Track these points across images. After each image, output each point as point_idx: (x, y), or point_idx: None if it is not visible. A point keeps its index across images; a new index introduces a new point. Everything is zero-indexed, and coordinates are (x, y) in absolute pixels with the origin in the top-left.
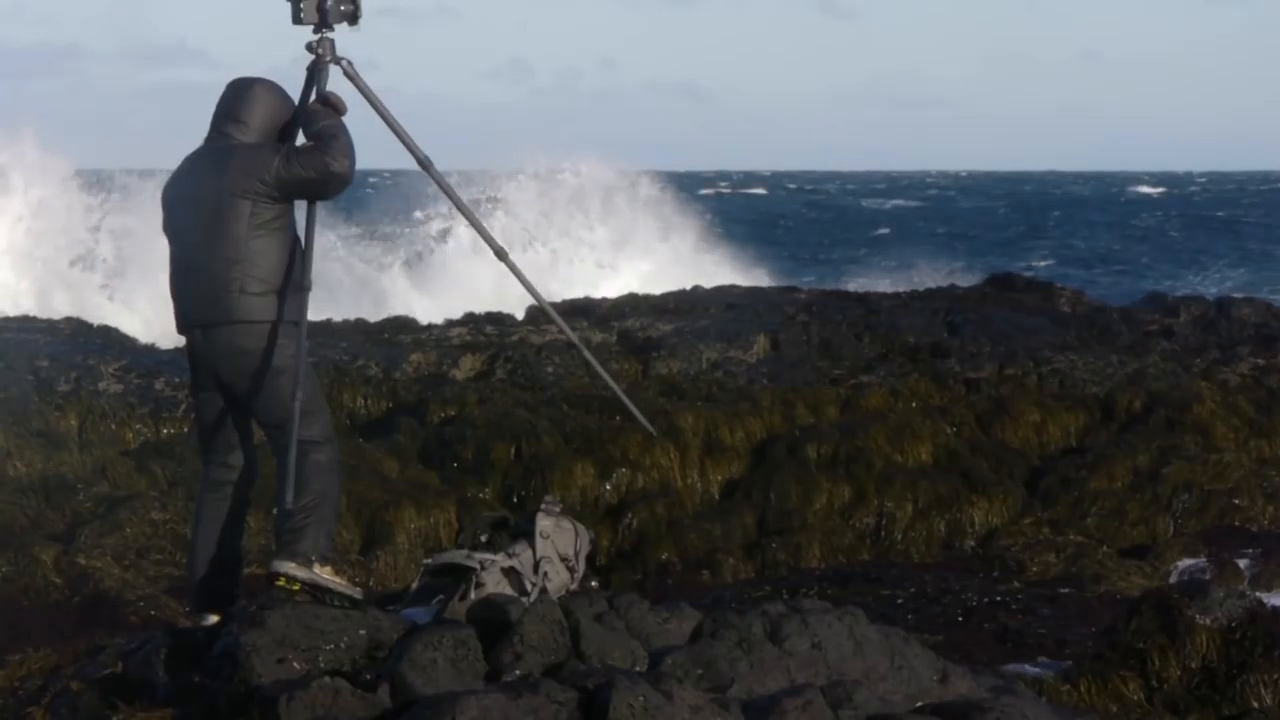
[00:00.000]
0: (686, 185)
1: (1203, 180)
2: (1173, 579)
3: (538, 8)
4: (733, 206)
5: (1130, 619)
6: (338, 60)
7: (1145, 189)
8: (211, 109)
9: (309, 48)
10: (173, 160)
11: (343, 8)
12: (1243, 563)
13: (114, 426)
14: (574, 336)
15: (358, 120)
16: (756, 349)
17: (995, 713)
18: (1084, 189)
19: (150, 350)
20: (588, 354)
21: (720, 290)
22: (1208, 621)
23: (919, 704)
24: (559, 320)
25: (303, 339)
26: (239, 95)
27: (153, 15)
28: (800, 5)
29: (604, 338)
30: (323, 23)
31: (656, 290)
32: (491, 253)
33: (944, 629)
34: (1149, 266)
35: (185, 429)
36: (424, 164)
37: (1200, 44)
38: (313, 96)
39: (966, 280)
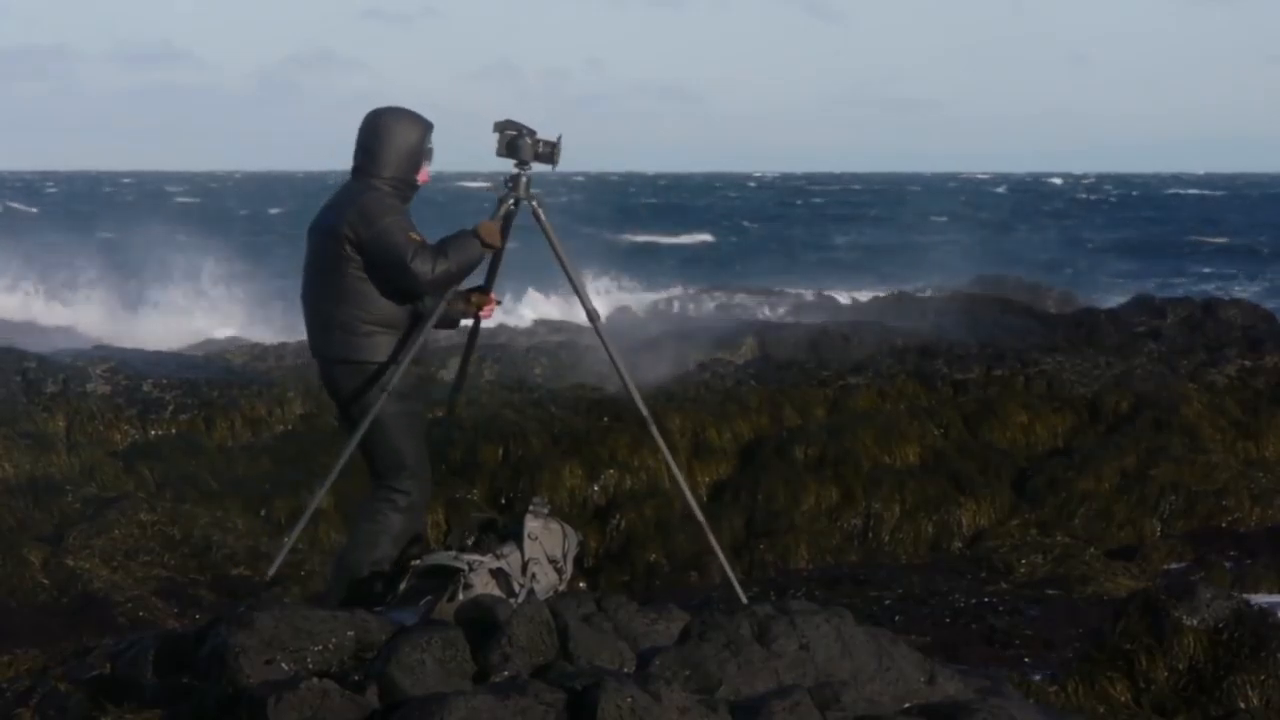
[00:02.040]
0: (674, 187)
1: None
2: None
3: (524, 9)
4: (726, 207)
5: (1117, 620)
6: (530, 197)
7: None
8: (198, 110)
9: (505, 181)
10: (162, 163)
11: (540, 149)
12: (1229, 564)
13: (102, 428)
14: (644, 410)
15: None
16: (744, 350)
17: (982, 714)
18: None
19: (138, 352)
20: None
21: (708, 292)
22: (1195, 623)
23: (906, 705)
24: (631, 388)
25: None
26: (368, 127)
27: (139, 17)
28: (786, 7)
29: (591, 341)
30: (522, 161)
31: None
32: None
33: (931, 630)
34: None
35: (173, 430)
36: (591, 317)
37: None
38: (497, 217)
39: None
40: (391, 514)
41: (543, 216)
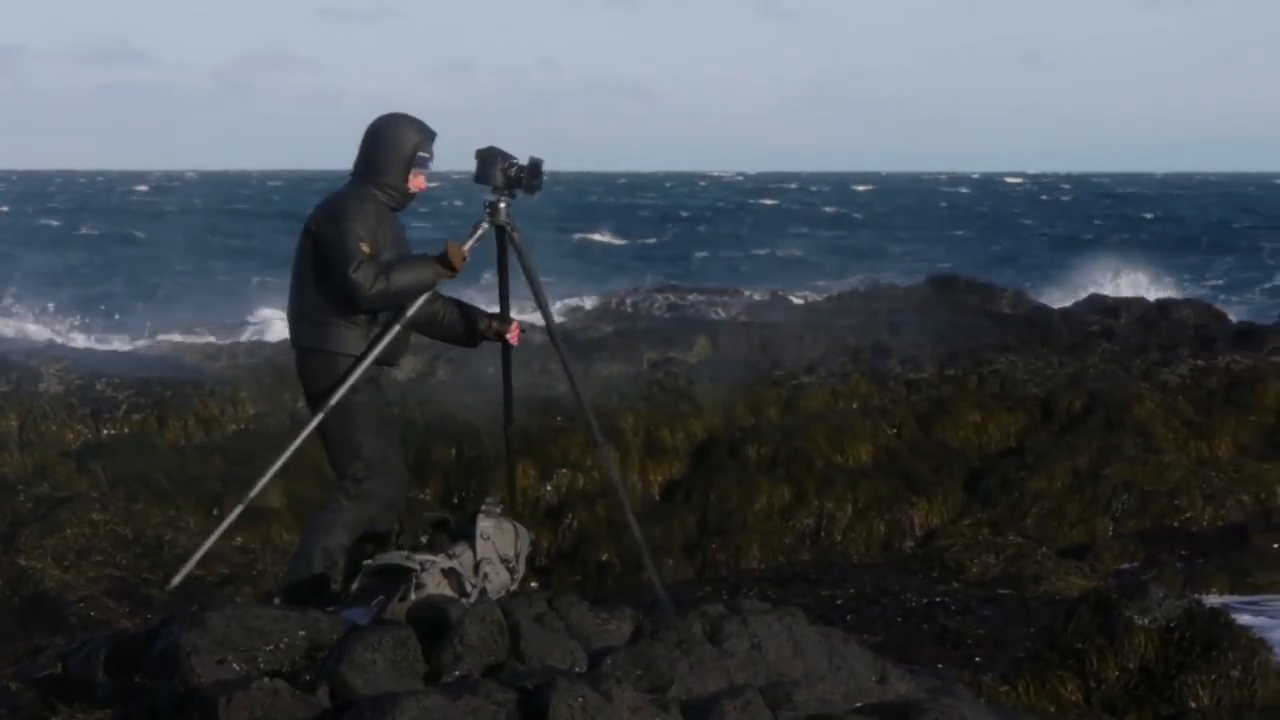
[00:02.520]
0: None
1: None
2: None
3: (480, 8)
4: (681, 206)
5: (1069, 619)
6: (508, 223)
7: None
8: (153, 109)
9: (486, 204)
10: (117, 162)
11: (513, 174)
12: (1181, 563)
13: (54, 427)
14: (599, 436)
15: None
16: (697, 349)
17: (934, 713)
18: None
19: (91, 352)
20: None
21: (661, 291)
22: (1146, 622)
23: (858, 704)
24: (588, 412)
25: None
26: (367, 131)
27: (95, 16)
28: (740, 6)
29: (544, 339)
30: (495, 187)
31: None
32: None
33: (883, 629)
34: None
35: (126, 430)
36: (552, 335)
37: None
38: (469, 243)
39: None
40: (344, 501)
41: (518, 240)
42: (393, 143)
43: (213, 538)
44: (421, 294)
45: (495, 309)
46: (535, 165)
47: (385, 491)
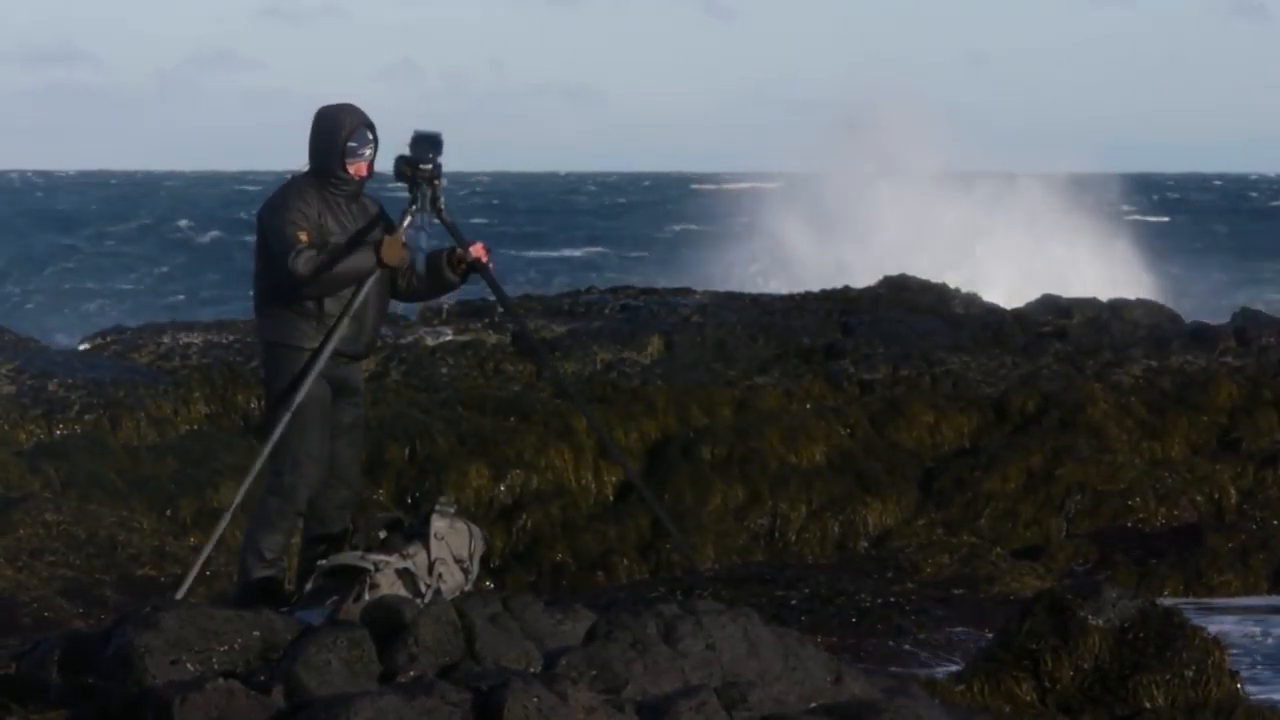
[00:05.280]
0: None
1: None
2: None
3: (425, 9)
4: (630, 205)
5: (1023, 620)
6: (434, 210)
7: None
8: (99, 110)
9: (411, 192)
10: (60, 162)
11: (429, 155)
12: (1135, 564)
13: (6, 427)
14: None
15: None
16: (651, 350)
17: (889, 714)
18: None
19: (43, 351)
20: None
21: (614, 291)
22: (1100, 622)
23: (813, 705)
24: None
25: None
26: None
27: (39, 16)
28: (682, 6)
29: (499, 339)
30: (410, 175)
31: None
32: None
33: (838, 630)
34: None
35: (79, 429)
36: (519, 321)
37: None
38: (400, 231)
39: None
40: (268, 496)
41: (447, 217)
42: (325, 132)
43: (209, 546)
44: (362, 279)
45: None
46: (426, 138)
47: (307, 488)
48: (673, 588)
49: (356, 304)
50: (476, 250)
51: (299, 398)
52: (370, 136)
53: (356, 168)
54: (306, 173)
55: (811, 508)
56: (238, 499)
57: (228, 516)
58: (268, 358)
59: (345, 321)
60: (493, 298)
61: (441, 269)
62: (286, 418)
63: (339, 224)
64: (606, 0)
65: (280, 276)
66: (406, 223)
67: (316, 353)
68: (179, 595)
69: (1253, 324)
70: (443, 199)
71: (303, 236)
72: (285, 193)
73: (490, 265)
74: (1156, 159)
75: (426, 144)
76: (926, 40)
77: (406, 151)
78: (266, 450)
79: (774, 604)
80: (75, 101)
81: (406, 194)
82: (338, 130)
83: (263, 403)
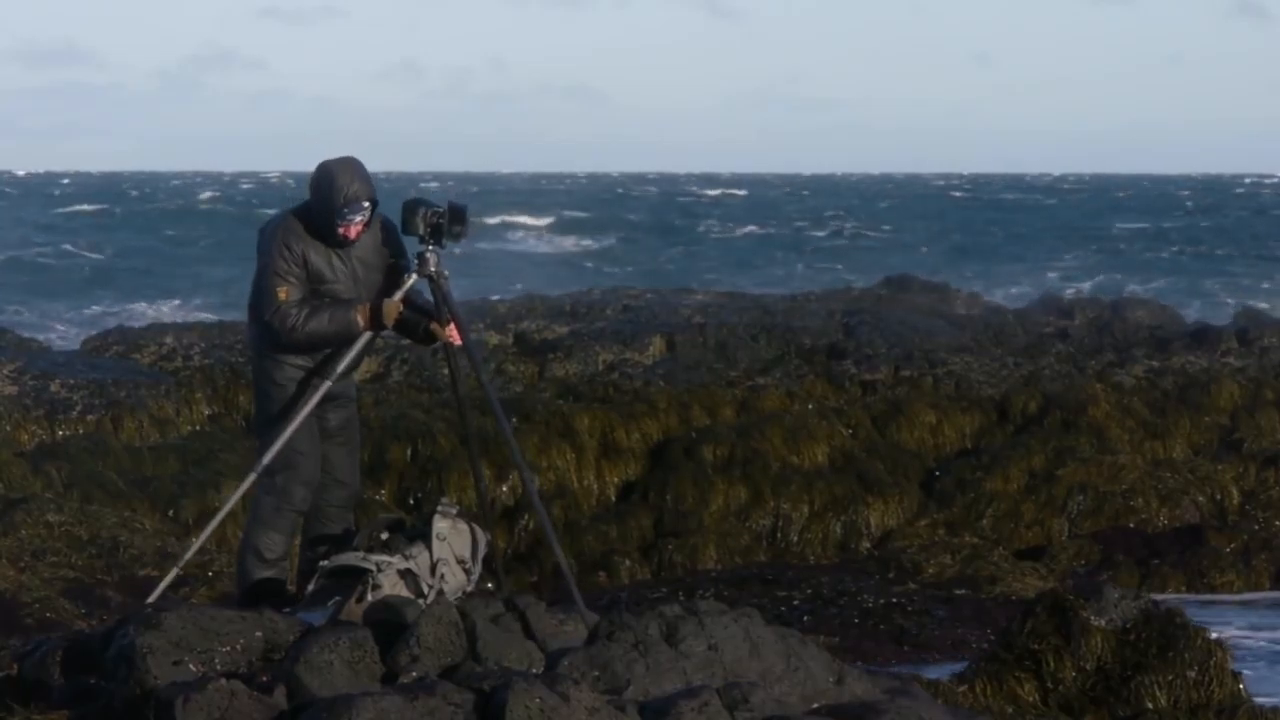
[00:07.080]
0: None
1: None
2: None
3: (426, 7)
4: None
5: (1025, 620)
6: (436, 272)
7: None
8: (101, 110)
9: (415, 255)
10: (65, 164)
11: (433, 220)
12: (1137, 564)
13: (9, 428)
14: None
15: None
16: (652, 350)
17: (891, 714)
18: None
19: (45, 352)
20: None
21: (616, 292)
22: (1102, 623)
23: (815, 705)
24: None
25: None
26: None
27: (41, 15)
28: (685, 6)
29: (501, 340)
30: (421, 237)
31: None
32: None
33: (840, 630)
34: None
35: (81, 430)
36: (481, 382)
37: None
38: (399, 295)
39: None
40: (263, 496)
41: (445, 289)
42: (323, 192)
43: (194, 548)
44: (344, 340)
45: None
46: (457, 211)
47: (302, 486)
48: (674, 588)
49: (350, 358)
50: (450, 333)
51: (290, 429)
52: (364, 206)
53: (345, 230)
54: (305, 208)
55: (814, 508)
56: (223, 510)
57: (213, 524)
58: (259, 375)
59: (338, 370)
60: (493, 297)
61: (415, 334)
62: (278, 445)
63: (328, 264)
64: (606, 0)
65: (263, 328)
66: (407, 285)
67: (307, 395)
68: (150, 600)
69: (1254, 324)
70: (446, 269)
71: (281, 294)
72: (275, 230)
73: (461, 344)
74: (1157, 159)
75: (457, 218)
76: (929, 40)
77: (434, 206)
78: (262, 461)
79: (776, 604)
80: (76, 101)
81: (419, 248)
82: (334, 195)
83: None
